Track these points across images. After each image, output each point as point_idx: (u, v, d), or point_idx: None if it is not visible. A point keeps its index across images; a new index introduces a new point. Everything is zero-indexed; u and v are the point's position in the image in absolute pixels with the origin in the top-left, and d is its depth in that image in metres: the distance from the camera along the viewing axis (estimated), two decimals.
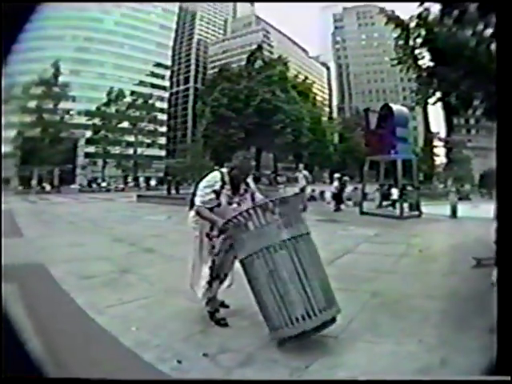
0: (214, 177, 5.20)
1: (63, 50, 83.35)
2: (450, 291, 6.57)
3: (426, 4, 12.28)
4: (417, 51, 13.32)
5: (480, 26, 10.63)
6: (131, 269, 8.29)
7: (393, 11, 14.58)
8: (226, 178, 5.22)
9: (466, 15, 11.01)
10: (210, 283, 5.19)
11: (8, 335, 1.91)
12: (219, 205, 5.13)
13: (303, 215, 4.93)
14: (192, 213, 5.37)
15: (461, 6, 11.12)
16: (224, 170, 5.32)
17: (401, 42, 13.52)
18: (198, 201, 5.10)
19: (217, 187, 5.13)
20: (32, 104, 67.26)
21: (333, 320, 4.49)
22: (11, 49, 1.97)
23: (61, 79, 74.18)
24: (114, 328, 5.00)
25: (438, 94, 13.72)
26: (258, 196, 5.47)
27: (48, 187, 59.47)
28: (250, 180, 5.49)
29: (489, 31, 10.30)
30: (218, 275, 5.25)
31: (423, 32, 12.65)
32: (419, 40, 12.93)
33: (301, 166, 24.14)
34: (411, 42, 13.24)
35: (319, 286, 4.40)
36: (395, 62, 15.48)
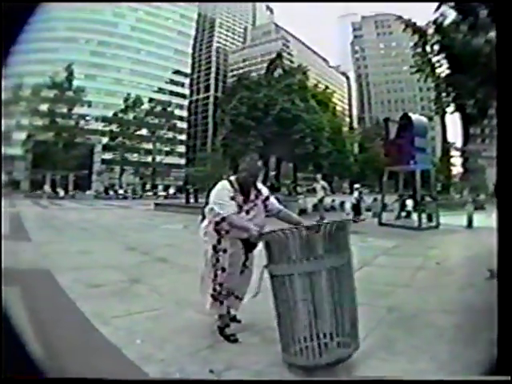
0: (224, 185, 5.05)
1: (76, 52, 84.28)
2: (465, 305, 6.44)
3: (442, 9, 12.18)
4: (434, 59, 13.20)
5: (493, 32, 10.55)
6: (142, 279, 8.20)
7: (409, 19, 14.45)
8: (236, 186, 5.06)
9: (479, 21, 10.93)
10: (214, 298, 5.04)
11: (8, 336, 1.88)
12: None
13: None
14: (204, 223, 5.25)
15: (474, 11, 11.04)
16: (232, 178, 5.18)
17: (419, 50, 13.38)
18: (223, 211, 4.87)
19: (231, 194, 4.95)
20: (43, 107, 67.78)
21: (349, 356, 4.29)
22: (11, 49, 1.94)
23: (75, 83, 74.54)
24: (118, 339, 4.89)
25: (455, 103, 13.60)
26: (273, 201, 5.30)
27: (62, 192, 59.40)
28: (260, 185, 5.33)
29: None
30: (228, 293, 5.08)
31: (439, 38, 12.52)
32: (436, 47, 12.79)
33: (318, 176, 23.45)
34: (428, 49, 13.11)
35: (349, 319, 4.24)
36: (414, 69, 15.39)
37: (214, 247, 5.06)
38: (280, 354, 4.36)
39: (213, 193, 5.06)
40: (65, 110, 71.20)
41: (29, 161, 65.41)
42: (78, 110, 74.25)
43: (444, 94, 13.80)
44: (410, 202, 21.85)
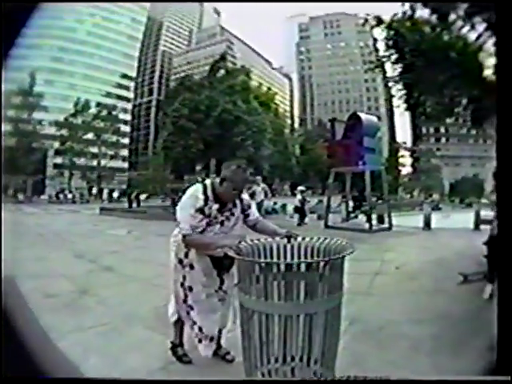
0: (195, 191, 4.18)
1: (40, 59, 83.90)
2: (437, 313, 6.09)
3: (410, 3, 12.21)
4: (393, 56, 13.12)
5: (465, 29, 10.62)
6: (90, 289, 7.91)
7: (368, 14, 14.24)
8: (209, 193, 4.19)
9: (450, 17, 10.98)
10: (175, 323, 4.53)
11: (8, 335, 1.72)
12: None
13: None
14: (175, 230, 4.34)
15: (445, 6, 11.08)
16: (208, 181, 4.33)
17: (389, 43, 13.21)
18: (184, 228, 4.06)
19: (200, 204, 4.12)
20: (11, 113, 66.82)
21: None
22: (11, 50, 1.86)
23: (36, 89, 74.56)
24: (75, 356, 4.38)
25: (412, 101, 13.61)
26: (254, 211, 4.52)
27: (21, 197, 59.72)
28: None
29: (473, 34, 10.25)
30: (200, 328, 4.33)
31: (404, 31, 12.48)
32: (399, 40, 12.72)
33: (258, 178, 22.26)
34: (390, 43, 13.03)
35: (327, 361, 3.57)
36: (371, 66, 15.22)
37: (180, 261, 4.32)
38: (239, 375, 3.93)
39: (183, 198, 4.26)
40: (26, 116, 70.93)
41: None
42: (36, 115, 74.17)
43: (401, 92, 13.73)
44: (351, 204, 22.01)
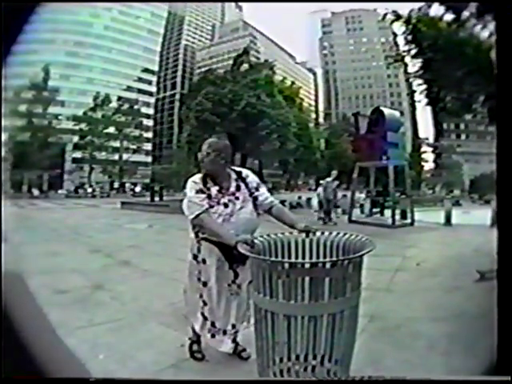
0: (193, 179, 4.23)
1: (54, 54, 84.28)
2: (454, 311, 5.94)
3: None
4: (413, 50, 13.09)
5: (477, 27, 10.56)
6: (104, 284, 7.80)
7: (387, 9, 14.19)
8: (207, 177, 4.22)
9: (462, 16, 10.93)
10: (205, 318, 4.30)
11: (9, 333, 1.69)
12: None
13: None
14: (190, 226, 4.31)
15: (457, 5, 11.02)
16: None
17: (408, 37, 13.17)
18: (195, 210, 4.04)
19: (199, 186, 4.14)
20: (23, 108, 67.15)
21: None
22: (11, 49, 1.87)
23: (51, 84, 74.30)
24: (82, 353, 4.30)
25: (433, 96, 13.58)
26: (264, 193, 4.35)
27: (36, 192, 59.54)
28: (246, 171, 4.44)
29: (485, 33, 10.20)
30: (213, 323, 4.25)
31: (422, 27, 12.45)
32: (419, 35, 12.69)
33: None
34: (409, 38, 13.01)
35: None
36: (390, 60, 15.21)
37: (195, 257, 4.28)
38: (252, 374, 3.85)
39: (186, 189, 4.22)
40: (40, 110, 70.99)
41: (9, 162, 64.91)
42: (52, 109, 74.25)
43: (421, 87, 13.68)
44: (362, 196, 21.76)
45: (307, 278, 3.22)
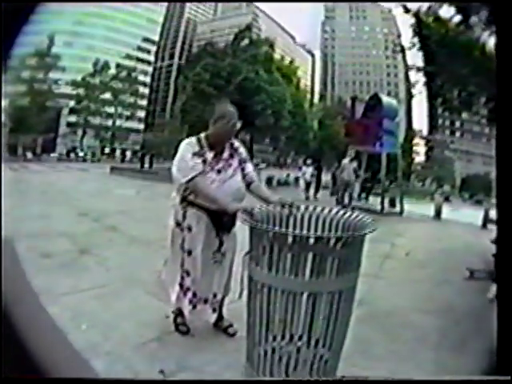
0: (189, 141, 4.13)
1: (60, 23, 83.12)
2: (444, 305, 5.93)
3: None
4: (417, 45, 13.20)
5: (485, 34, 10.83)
6: (90, 249, 7.73)
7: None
8: (203, 141, 4.12)
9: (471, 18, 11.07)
10: (182, 288, 4.19)
11: (8, 335, 1.49)
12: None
13: None
14: (173, 193, 4.25)
15: (467, 10, 11.18)
16: (201, 134, 4.21)
17: (416, 30, 13.28)
18: (189, 173, 3.90)
19: (195, 149, 4.02)
20: (25, 74, 67.04)
21: None
22: (11, 49, 1.78)
23: (54, 50, 74.52)
24: (65, 322, 3.97)
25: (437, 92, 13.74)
26: (250, 166, 4.30)
27: (30, 155, 59.74)
28: (237, 142, 4.35)
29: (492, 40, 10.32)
30: (194, 293, 4.16)
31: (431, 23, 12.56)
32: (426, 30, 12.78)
33: None
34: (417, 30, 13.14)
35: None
36: (397, 49, 15.44)
37: (178, 224, 4.12)
38: (238, 353, 3.76)
39: (178, 153, 4.11)
40: (41, 76, 71.14)
41: (8, 127, 65.06)
42: (53, 75, 74.29)
43: (423, 80, 13.76)
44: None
45: (310, 254, 3.10)
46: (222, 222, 4.00)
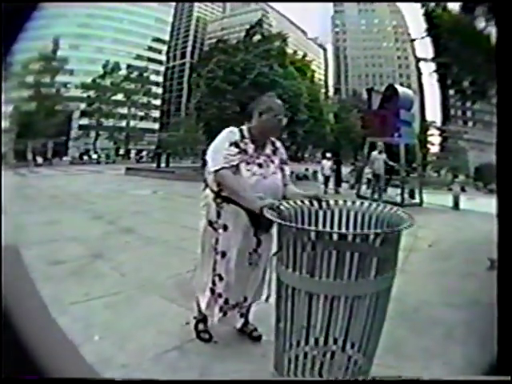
0: (231, 130, 3.83)
1: (65, 26, 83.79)
2: (470, 298, 5.75)
3: None
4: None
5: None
6: (104, 254, 7.52)
7: None
8: (245, 132, 3.85)
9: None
10: (213, 294, 3.89)
11: (8, 335, 1.61)
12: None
13: None
14: (205, 192, 3.92)
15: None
16: (244, 126, 3.92)
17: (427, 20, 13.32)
18: (220, 162, 3.62)
19: (235, 138, 3.75)
20: (30, 79, 67.24)
21: None
22: (11, 49, 1.85)
23: (60, 53, 74.53)
24: (75, 333, 3.81)
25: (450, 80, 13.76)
26: (287, 170, 4.05)
27: (40, 160, 59.12)
28: (279, 143, 4.13)
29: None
30: (226, 300, 3.87)
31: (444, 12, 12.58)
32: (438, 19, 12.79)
33: None
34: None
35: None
36: (408, 39, 15.62)
37: (211, 223, 3.82)
38: (265, 359, 3.59)
39: (214, 143, 3.84)
40: (48, 80, 71.15)
41: (14, 132, 65.52)
42: (60, 78, 74.45)
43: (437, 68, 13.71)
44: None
45: (348, 253, 2.90)
46: (260, 219, 3.52)
